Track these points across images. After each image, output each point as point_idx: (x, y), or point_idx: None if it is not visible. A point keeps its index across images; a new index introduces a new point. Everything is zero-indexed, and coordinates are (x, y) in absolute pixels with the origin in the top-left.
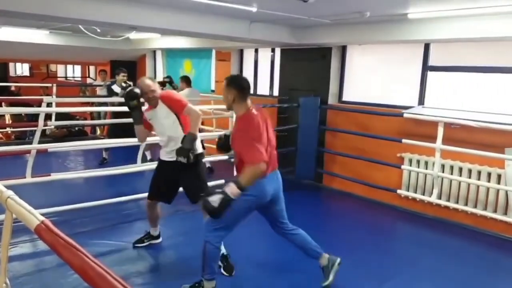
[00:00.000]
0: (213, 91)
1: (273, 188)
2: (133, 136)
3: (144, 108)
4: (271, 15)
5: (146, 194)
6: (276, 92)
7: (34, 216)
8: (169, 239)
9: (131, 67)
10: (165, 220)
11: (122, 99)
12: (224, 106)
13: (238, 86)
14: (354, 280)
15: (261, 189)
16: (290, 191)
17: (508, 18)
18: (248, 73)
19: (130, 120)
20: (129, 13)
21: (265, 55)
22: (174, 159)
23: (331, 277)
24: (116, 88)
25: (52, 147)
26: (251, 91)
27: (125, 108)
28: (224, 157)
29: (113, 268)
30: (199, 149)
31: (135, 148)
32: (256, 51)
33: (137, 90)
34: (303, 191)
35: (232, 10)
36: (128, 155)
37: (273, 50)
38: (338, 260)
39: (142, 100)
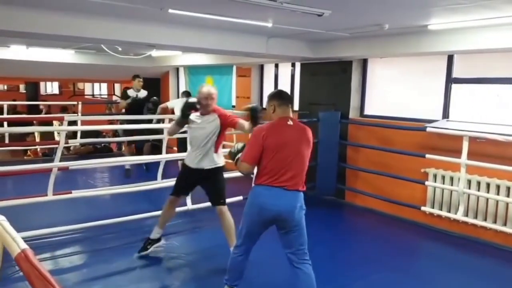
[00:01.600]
0: (233, 106)
1: (272, 204)
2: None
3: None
4: (287, 30)
5: None
6: (296, 107)
7: (17, 244)
8: (188, 255)
9: (155, 83)
10: (184, 236)
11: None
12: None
13: (270, 98)
14: None
15: (254, 194)
16: (310, 207)
17: None
18: (268, 88)
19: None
20: (148, 31)
21: (285, 70)
22: (198, 167)
23: None
24: (131, 92)
25: (72, 165)
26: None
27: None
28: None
29: (129, 286)
30: (221, 162)
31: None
32: (276, 66)
33: (197, 105)
34: (324, 208)
35: (248, 26)
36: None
37: (293, 65)
38: None
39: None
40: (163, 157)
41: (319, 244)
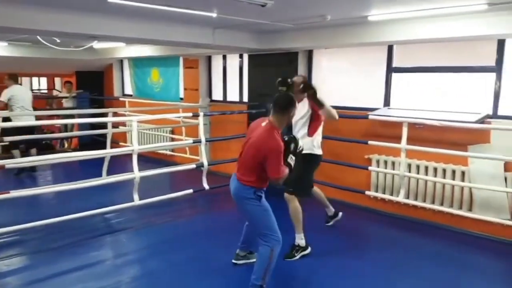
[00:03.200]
0: (181, 99)
1: (230, 186)
2: None
3: None
4: (233, 20)
5: (111, 208)
6: (246, 98)
7: None
8: (137, 252)
9: (97, 77)
10: (132, 232)
11: None
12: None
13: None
14: (323, 277)
15: None
16: (266, 197)
17: (467, 19)
18: (216, 80)
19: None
20: (88, 22)
21: (233, 61)
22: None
23: None
24: None
25: (8, 163)
26: (222, 98)
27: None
28: (192, 166)
29: (75, 286)
30: (317, 151)
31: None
32: (224, 57)
33: (289, 80)
34: (278, 197)
35: (193, 17)
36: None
37: (241, 56)
38: None
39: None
40: (108, 152)
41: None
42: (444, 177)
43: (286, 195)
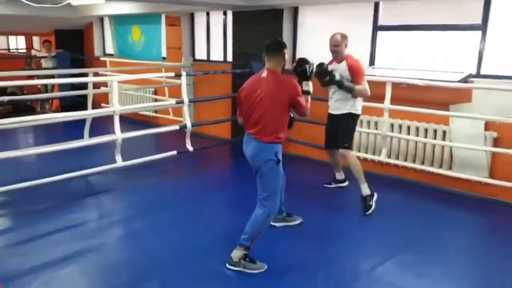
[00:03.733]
0: (164, 58)
1: (244, 148)
2: None
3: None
4: None
5: (94, 169)
6: (230, 58)
7: None
8: (121, 213)
9: (77, 36)
10: (115, 194)
11: None
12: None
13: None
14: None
15: None
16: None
17: None
18: (200, 39)
19: None
20: None
21: (217, 19)
22: (334, 112)
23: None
24: None
25: None
26: (206, 57)
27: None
28: (175, 127)
29: (58, 247)
30: (357, 110)
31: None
32: (208, 14)
33: (325, 67)
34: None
35: None
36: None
37: (225, 13)
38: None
39: None
40: (89, 113)
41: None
42: (426, 136)
43: (342, 151)
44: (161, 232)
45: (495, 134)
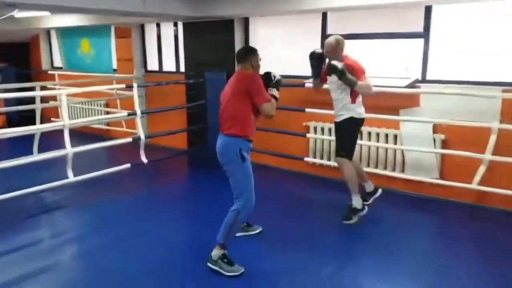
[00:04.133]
0: (115, 70)
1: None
2: None
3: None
4: None
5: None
6: (183, 68)
7: None
8: (75, 230)
9: (23, 49)
10: (69, 210)
11: None
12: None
13: None
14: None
15: None
16: (206, 168)
17: None
18: (151, 50)
19: None
20: None
21: (168, 30)
22: (335, 120)
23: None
24: None
25: None
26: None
27: None
28: (128, 139)
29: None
30: (357, 113)
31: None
32: (158, 25)
33: (319, 51)
34: (218, 167)
35: None
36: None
37: (175, 25)
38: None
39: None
40: (37, 128)
41: (220, 202)
42: (378, 140)
43: (337, 159)
44: (117, 248)
45: (443, 136)
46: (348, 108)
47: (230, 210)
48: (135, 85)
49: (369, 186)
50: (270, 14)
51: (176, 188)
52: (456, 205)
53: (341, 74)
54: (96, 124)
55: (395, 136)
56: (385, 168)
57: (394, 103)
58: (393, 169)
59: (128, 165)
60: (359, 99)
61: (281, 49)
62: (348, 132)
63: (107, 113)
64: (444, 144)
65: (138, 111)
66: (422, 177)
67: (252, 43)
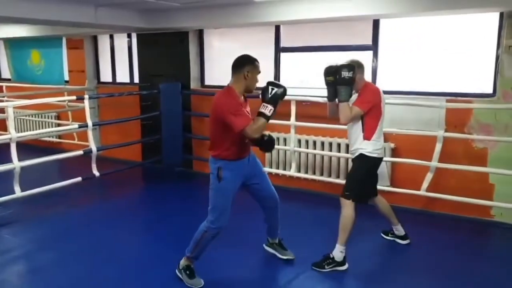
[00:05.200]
0: (67, 81)
1: None
2: None
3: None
4: None
5: None
6: (137, 79)
7: None
8: (23, 247)
9: None
10: (17, 227)
11: None
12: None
13: None
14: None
15: None
16: (161, 180)
17: (343, 0)
18: (104, 61)
19: None
20: None
21: (122, 41)
22: (352, 157)
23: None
24: None
25: None
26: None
27: None
28: (79, 152)
29: None
30: (367, 151)
31: None
32: (112, 37)
33: (337, 65)
34: (174, 179)
35: None
36: None
37: (129, 36)
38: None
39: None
40: None
41: (176, 214)
42: (331, 150)
43: (340, 199)
44: (67, 265)
45: (392, 145)
46: (360, 144)
47: (200, 226)
48: (86, 96)
49: (398, 231)
50: (224, 26)
51: (130, 202)
52: (406, 211)
53: (339, 80)
54: (47, 137)
55: (347, 146)
56: (338, 176)
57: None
58: (337, 176)
59: (79, 179)
60: (378, 133)
61: None
62: (356, 171)
63: (59, 125)
64: (394, 153)
65: (90, 123)
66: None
67: (207, 55)
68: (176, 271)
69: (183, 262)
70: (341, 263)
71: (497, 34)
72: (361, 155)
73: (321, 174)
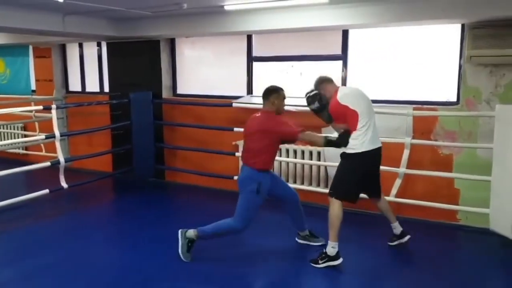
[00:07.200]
0: (34, 91)
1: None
2: None
3: None
4: (84, 6)
5: None
6: (107, 89)
7: None
8: None
9: None
10: None
11: None
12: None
13: None
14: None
15: None
16: (132, 191)
17: (314, 10)
18: (73, 70)
19: None
20: None
21: (92, 50)
22: None
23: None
24: None
25: None
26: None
27: None
28: (46, 164)
29: None
30: (351, 148)
31: None
32: (81, 45)
33: (313, 90)
34: (146, 190)
35: (38, 2)
36: None
37: (99, 44)
38: None
39: None
40: None
41: (148, 226)
42: (303, 158)
43: (328, 197)
44: (33, 281)
45: None
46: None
47: (227, 219)
48: (53, 106)
49: (396, 229)
50: (195, 35)
51: (100, 214)
52: (376, 216)
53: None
54: (12, 149)
55: (319, 153)
56: (310, 184)
57: (317, 122)
58: (318, 185)
59: (46, 191)
60: (360, 131)
61: (208, 69)
62: (339, 170)
63: (25, 136)
64: None
65: (57, 133)
66: None
67: (178, 64)
68: (180, 232)
69: (192, 234)
70: (335, 258)
71: (460, 45)
72: (343, 153)
73: (294, 182)
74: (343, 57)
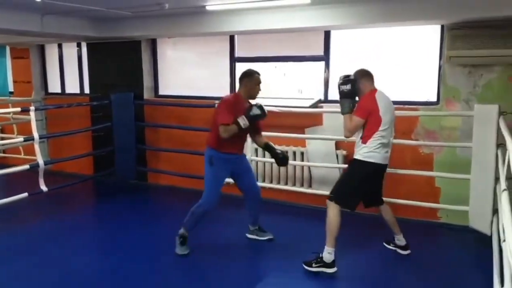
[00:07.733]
0: (11, 93)
1: None
2: None
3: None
4: (62, 6)
5: None
6: (88, 90)
7: None
8: None
9: None
10: None
11: None
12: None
13: None
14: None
15: None
16: (114, 194)
17: (296, 11)
18: (53, 71)
19: None
20: None
21: (71, 50)
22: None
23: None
24: None
25: None
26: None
27: None
28: (25, 167)
29: None
30: (364, 156)
31: None
32: (60, 46)
33: (350, 75)
34: (128, 192)
35: (15, 1)
36: None
37: (78, 45)
38: None
39: None
40: None
41: (131, 229)
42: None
43: (327, 200)
44: (13, 286)
45: (344, 152)
46: (358, 147)
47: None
48: (32, 108)
49: (399, 241)
50: (177, 36)
51: (81, 217)
52: (359, 215)
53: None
54: None
55: (302, 154)
56: (294, 184)
57: (300, 122)
58: (302, 185)
59: (25, 194)
60: (376, 140)
61: (191, 70)
62: (345, 175)
63: (2, 139)
64: (346, 160)
65: (36, 136)
66: (328, 191)
67: (160, 64)
68: (176, 237)
69: (181, 231)
70: (330, 265)
71: (439, 46)
72: (354, 160)
73: (278, 182)
74: (325, 58)
